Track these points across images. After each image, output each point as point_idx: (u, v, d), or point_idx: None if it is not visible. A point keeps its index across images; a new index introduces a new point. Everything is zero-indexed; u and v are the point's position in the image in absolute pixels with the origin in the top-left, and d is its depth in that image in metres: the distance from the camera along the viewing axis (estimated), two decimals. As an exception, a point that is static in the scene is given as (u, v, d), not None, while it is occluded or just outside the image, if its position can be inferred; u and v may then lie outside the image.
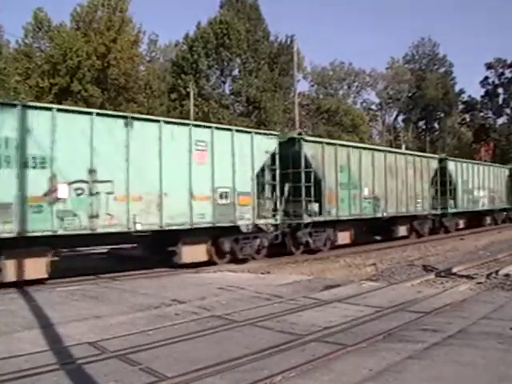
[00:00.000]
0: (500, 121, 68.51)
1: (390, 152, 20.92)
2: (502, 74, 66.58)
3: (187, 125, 13.10)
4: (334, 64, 65.12)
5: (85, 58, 30.46)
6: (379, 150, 20.23)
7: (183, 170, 12.45)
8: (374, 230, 20.60)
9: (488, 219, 29.76)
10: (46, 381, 4.63)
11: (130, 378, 4.66)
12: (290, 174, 15.87)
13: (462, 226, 26.51)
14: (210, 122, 26.49)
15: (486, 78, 67.15)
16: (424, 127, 70.26)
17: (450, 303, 7.77)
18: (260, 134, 15.04)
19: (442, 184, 23.91)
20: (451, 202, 24.46)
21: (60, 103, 25.09)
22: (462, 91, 69.49)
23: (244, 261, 14.14)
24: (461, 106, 69.99)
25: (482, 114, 68.68)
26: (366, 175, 18.38)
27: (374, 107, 70.18)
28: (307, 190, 15.78)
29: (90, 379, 4.64)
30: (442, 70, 68.86)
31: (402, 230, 21.18)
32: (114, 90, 32.94)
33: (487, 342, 5.47)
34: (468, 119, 70.53)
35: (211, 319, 7.05)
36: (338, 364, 4.94)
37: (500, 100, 67.62)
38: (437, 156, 25.28)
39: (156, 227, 11.87)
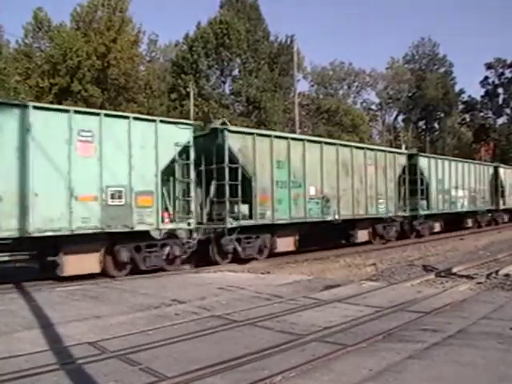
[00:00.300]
0: (500, 121, 68.75)
1: (344, 146, 18.31)
2: (502, 74, 66.73)
3: (66, 111, 10.92)
4: (334, 64, 65.25)
5: (85, 58, 30.47)
6: (329, 143, 17.66)
7: (61, 166, 10.44)
8: (328, 235, 17.92)
9: (469, 222, 27.35)
10: (46, 381, 4.63)
11: (130, 378, 4.66)
12: (214, 170, 13.90)
13: (437, 230, 24.08)
14: (210, 122, 26.50)
15: (486, 78, 67.38)
16: (424, 127, 70.31)
17: (450, 303, 7.77)
18: (167, 122, 12.68)
19: (413, 183, 21.72)
20: (423, 202, 22.33)
21: (60, 103, 25.12)
22: (461, 91, 69.71)
23: (151, 272, 11.99)
24: (461, 106, 70.09)
25: (482, 114, 68.78)
26: (313, 172, 16.02)
27: (374, 107, 70.34)
28: (233, 189, 13.65)
29: (89, 379, 4.64)
30: (442, 70, 68.95)
31: (363, 235, 18.91)
32: (113, 90, 32.95)
33: (487, 342, 5.47)
34: (468, 119, 70.63)
35: (211, 319, 7.05)
36: (338, 364, 4.94)
37: (500, 100, 67.76)
38: (405, 151, 22.90)
39: (21, 233, 9.92)
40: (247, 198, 14.11)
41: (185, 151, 12.74)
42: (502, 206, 30.79)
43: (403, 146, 28.86)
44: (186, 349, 5.61)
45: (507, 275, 10.81)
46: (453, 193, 24.85)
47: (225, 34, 38.86)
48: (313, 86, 63.59)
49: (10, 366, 4.92)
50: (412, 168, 21.76)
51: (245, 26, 40.41)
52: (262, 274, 12.41)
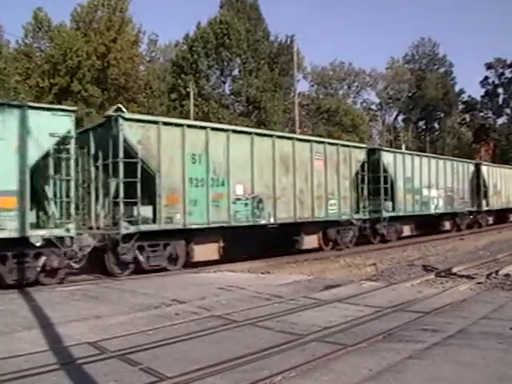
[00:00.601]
0: (500, 121, 68.73)
1: (283, 138, 15.73)
2: (502, 74, 66.72)
3: None
4: (333, 64, 65.19)
5: (85, 58, 30.47)
6: (262, 135, 15.07)
7: None
8: (268, 241, 15.41)
9: (447, 224, 24.88)
10: (46, 381, 4.63)
11: (130, 378, 4.66)
12: (110, 166, 11.93)
13: (407, 234, 21.73)
14: (210, 121, 26.51)
15: (486, 77, 67.37)
16: (424, 127, 70.29)
17: (450, 303, 7.77)
18: (39, 109, 10.46)
19: (376, 181, 19.49)
20: (388, 203, 19.80)
21: (60, 103, 25.11)
22: (462, 91, 69.67)
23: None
24: (461, 106, 70.07)
25: (482, 114, 68.78)
26: (240, 168, 13.81)
27: (374, 107, 70.26)
28: (129, 187, 11.61)
29: (90, 379, 4.64)
30: (442, 70, 68.91)
31: (310, 241, 16.44)
32: (113, 90, 32.94)
33: (487, 342, 5.47)
34: (468, 119, 70.62)
35: (211, 319, 7.05)
36: (338, 364, 4.94)
37: (500, 100, 67.74)
38: (363, 145, 20.29)
39: None
40: (151, 199, 12.07)
41: (64, 142, 10.54)
42: (485, 207, 28.32)
43: (403, 146, 28.53)
44: (186, 349, 5.61)
45: (507, 275, 10.81)
46: (425, 192, 22.40)
47: (225, 34, 38.85)
48: (313, 85, 63.64)
49: (10, 366, 4.92)
50: (375, 164, 19.45)
51: (245, 26, 40.39)
52: (262, 273, 12.42)
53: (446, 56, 68.84)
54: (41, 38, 33.54)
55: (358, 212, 18.42)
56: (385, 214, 19.64)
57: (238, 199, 13.87)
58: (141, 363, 5.02)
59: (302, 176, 15.85)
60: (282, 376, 4.58)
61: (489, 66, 66.81)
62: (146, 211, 12.01)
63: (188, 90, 36.29)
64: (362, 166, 18.60)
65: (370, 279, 11.15)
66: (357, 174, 18.38)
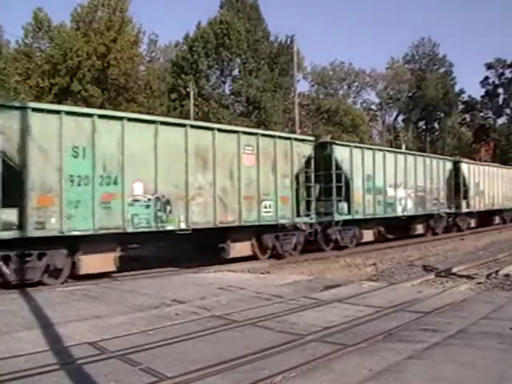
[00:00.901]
0: (500, 121, 68.77)
1: (200, 128, 13.38)
2: (502, 74, 66.74)
3: None
4: (334, 64, 65.24)
5: (85, 58, 30.47)
6: (171, 124, 12.69)
7: None
8: (186, 250, 14.23)
9: (419, 228, 22.32)
10: (47, 381, 4.63)
11: (130, 378, 4.66)
12: None
13: (370, 239, 19.13)
14: (210, 121, 26.52)
15: (486, 77, 67.39)
16: (424, 127, 70.31)
17: (450, 303, 7.77)
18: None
19: (328, 180, 16.80)
20: (342, 205, 17.18)
21: (60, 103, 25.10)
22: (462, 91, 69.70)
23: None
24: (461, 106, 70.10)
25: (482, 114, 68.82)
26: (139, 163, 11.58)
27: (374, 107, 70.31)
28: None
29: (90, 379, 4.64)
30: (442, 70, 68.95)
31: (241, 249, 14.08)
32: (114, 90, 32.94)
33: (487, 342, 5.47)
34: (468, 119, 70.66)
35: (211, 319, 7.05)
36: (338, 364, 4.94)
37: (500, 100, 67.77)
38: (310, 138, 16.84)
39: None
40: (16, 200, 9.91)
41: None
42: (465, 209, 25.40)
43: (403, 146, 27.82)
44: (187, 349, 5.61)
45: (507, 275, 10.82)
46: (390, 192, 19.58)
47: (225, 34, 38.86)
48: (313, 86, 63.68)
49: (10, 366, 4.92)
50: (327, 160, 16.91)
51: (245, 26, 40.40)
52: (262, 274, 12.42)
53: (446, 56, 69.02)
54: (41, 38, 33.55)
55: (304, 215, 15.82)
56: (338, 217, 16.92)
57: (137, 200, 11.56)
58: (141, 363, 5.02)
59: (225, 173, 13.44)
60: (283, 376, 4.59)
61: (489, 66, 66.85)
62: (9, 215, 9.89)
63: (188, 90, 36.29)
64: (308, 162, 15.84)
65: (370, 279, 11.16)
66: (300, 170, 15.71)
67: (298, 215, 15.64)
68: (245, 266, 13.68)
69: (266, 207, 14.42)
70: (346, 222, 17.56)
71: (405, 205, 20.63)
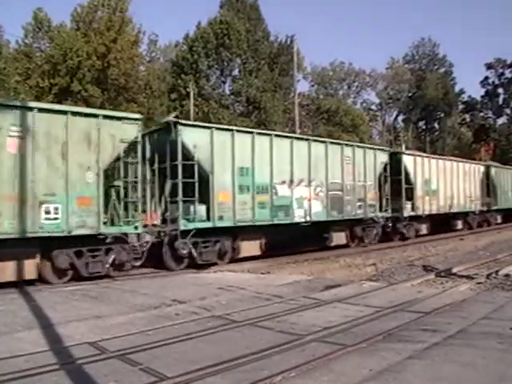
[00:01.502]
0: (500, 121, 68.77)
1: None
2: (502, 74, 66.75)
3: None
4: (334, 64, 65.17)
5: (85, 58, 30.46)
6: None
7: None
8: None
9: (335, 238, 17.47)
10: (47, 381, 4.63)
11: (130, 378, 4.66)
12: None
13: (254, 253, 14.62)
14: (210, 122, 26.50)
15: (486, 78, 67.41)
16: (424, 127, 70.29)
17: (450, 303, 7.78)
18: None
19: (175, 175, 12.92)
20: (198, 208, 13.03)
21: (60, 103, 25.10)
22: (462, 91, 69.69)
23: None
24: (461, 106, 70.10)
25: (482, 114, 68.83)
26: None
27: (374, 107, 70.24)
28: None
29: (90, 379, 4.65)
30: (442, 70, 68.94)
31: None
32: (114, 90, 32.91)
33: (487, 342, 5.48)
34: (468, 119, 70.66)
35: (211, 319, 7.06)
36: (338, 364, 4.94)
37: (500, 100, 67.78)
38: (135, 116, 12.49)
39: None
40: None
41: None
42: (409, 213, 20.74)
43: (403, 146, 26.69)
44: (186, 349, 5.61)
45: (507, 275, 10.82)
46: (281, 191, 14.94)
47: (225, 34, 38.85)
48: (313, 86, 63.61)
49: (11, 366, 4.93)
50: (172, 147, 12.98)
51: (245, 26, 40.39)
52: (262, 274, 12.42)
53: (446, 56, 68.97)
54: (41, 38, 33.53)
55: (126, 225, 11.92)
56: (186, 226, 12.83)
57: None
58: (141, 363, 5.02)
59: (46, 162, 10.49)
60: (282, 376, 4.59)
61: (489, 66, 66.86)
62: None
63: (188, 90, 36.28)
64: (127, 149, 12.02)
65: (370, 279, 11.16)
66: (113, 163, 11.98)
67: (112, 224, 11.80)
68: (245, 266, 13.70)
69: (46, 212, 10.45)
70: (206, 232, 13.28)
71: (308, 208, 15.83)
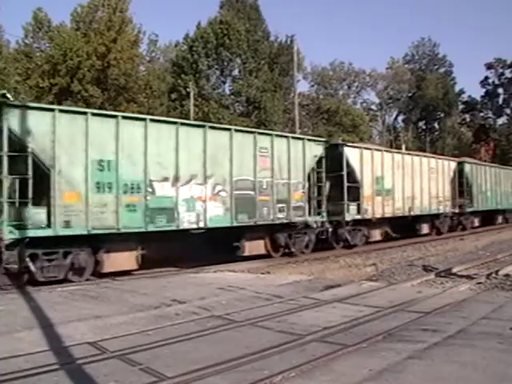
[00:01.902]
0: (500, 121, 68.82)
1: None
2: (502, 74, 66.77)
3: None
4: (334, 64, 65.13)
5: (85, 58, 30.47)
6: None
7: None
8: None
9: (248, 246, 14.20)
10: (47, 381, 4.63)
11: (130, 378, 4.66)
12: None
13: (127, 268, 11.67)
14: (210, 122, 26.50)
15: (486, 78, 67.44)
16: (424, 127, 70.31)
17: (450, 303, 7.78)
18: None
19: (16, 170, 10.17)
20: (33, 213, 10.17)
21: (60, 103, 25.12)
22: (462, 91, 69.74)
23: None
24: (461, 106, 70.14)
25: (482, 114, 68.87)
26: None
27: (373, 107, 70.21)
28: None
29: (90, 379, 4.64)
30: (442, 70, 69.00)
31: None
32: (114, 90, 32.93)
33: (487, 342, 5.47)
34: (468, 119, 70.70)
35: (211, 319, 7.06)
36: (338, 364, 4.94)
37: (500, 100, 67.83)
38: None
39: None
40: None
41: None
42: (354, 216, 17.57)
43: (403, 146, 26.36)
44: (186, 349, 5.61)
45: (507, 275, 10.83)
46: (161, 191, 12.06)
47: (225, 34, 38.84)
48: (313, 86, 63.57)
49: (10, 366, 4.92)
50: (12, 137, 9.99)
51: (245, 26, 40.39)
52: (262, 274, 12.41)
53: (446, 56, 69.05)
54: (41, 38, 33.53)
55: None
56: (9, 235, 9.81)
57: None
58: (141, 363, 5.02)
59: None
60: (282, 376, 4.59)
61: (489, 66, 66.88)
62: None
63: (188, 90, 36.29)
64: None
65: (370, 279, 11.16)
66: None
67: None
68: (245, 266, 13.69)
69: None
70: (52, 242, 10.45)
71: (203, 211, 12.84)
